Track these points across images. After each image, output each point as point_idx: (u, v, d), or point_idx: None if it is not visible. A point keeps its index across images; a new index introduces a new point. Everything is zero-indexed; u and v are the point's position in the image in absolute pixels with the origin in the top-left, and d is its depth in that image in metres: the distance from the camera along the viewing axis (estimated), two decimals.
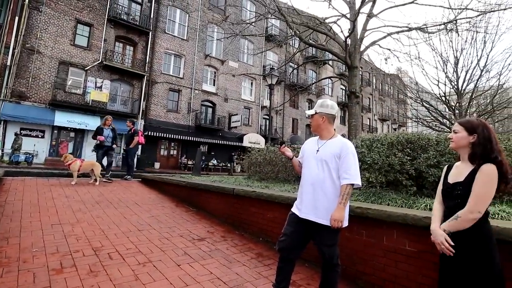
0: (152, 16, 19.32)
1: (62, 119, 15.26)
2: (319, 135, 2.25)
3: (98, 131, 7.36)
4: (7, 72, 14.19)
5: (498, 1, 8.66)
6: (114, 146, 7.60)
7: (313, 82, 25.30)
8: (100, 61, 17.07)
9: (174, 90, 20.31)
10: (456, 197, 1.60)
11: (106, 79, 17.49)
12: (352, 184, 2.03)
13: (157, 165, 18.91)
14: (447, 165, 1.84)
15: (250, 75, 22.02)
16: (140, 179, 8.20)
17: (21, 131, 14.49)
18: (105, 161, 7.59)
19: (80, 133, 16.74)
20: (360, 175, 3.70)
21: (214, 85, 22.69)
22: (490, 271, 1.48)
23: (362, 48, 9.76)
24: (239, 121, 22.27)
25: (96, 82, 17.09)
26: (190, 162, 19.12)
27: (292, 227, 2.15)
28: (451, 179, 1.70)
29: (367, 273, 2.64)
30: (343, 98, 32.82)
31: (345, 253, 2.71)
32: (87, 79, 16.85)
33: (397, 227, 2.45)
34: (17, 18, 14.44)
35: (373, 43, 10.24)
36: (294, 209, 2.21)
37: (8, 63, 14.17)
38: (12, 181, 6.02)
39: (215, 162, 21.30)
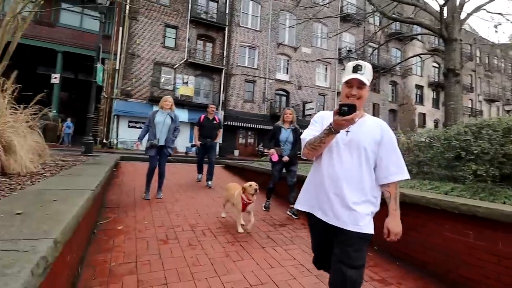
0: (227, 12, 20.28)
1: None
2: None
3: (275, 132, 4.53)
4: (116, 75, 17.14)
5: None
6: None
7: (398, 62, 22.61)
8: (185, 59, 18.92)
9: (250, 81, 21.08)
10: None
11: (191, 75, 19.34)
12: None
13: (236, 152, 20.17)
14: None
15: (324, 60, 21.07)
16: (223, 165, 8.89)
17: (130, 124, 17.39)
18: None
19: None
20: (464, 167, 3.20)
21: (287, 73, 22.60)
22: None
23: (462, 17, 8.21)
24: (313, 108, 21.74)
25: (183, 79, 19.08)
26: (266, 150, 19.73)
27: (318, 238, 1.69)
28: None
29: (474, 280, 2.29)
30: (435, 77, 28.55)
31: (444, 254, 2.42)
32: (176, 76, 18.94)
33: None
34: (121, 28, 17.18)
35: (477, 9, 8.51)
36: (313, 211, 1.58)
37: (117, 67, 17.09)
38: (124, 165, 7.28)
39: None
